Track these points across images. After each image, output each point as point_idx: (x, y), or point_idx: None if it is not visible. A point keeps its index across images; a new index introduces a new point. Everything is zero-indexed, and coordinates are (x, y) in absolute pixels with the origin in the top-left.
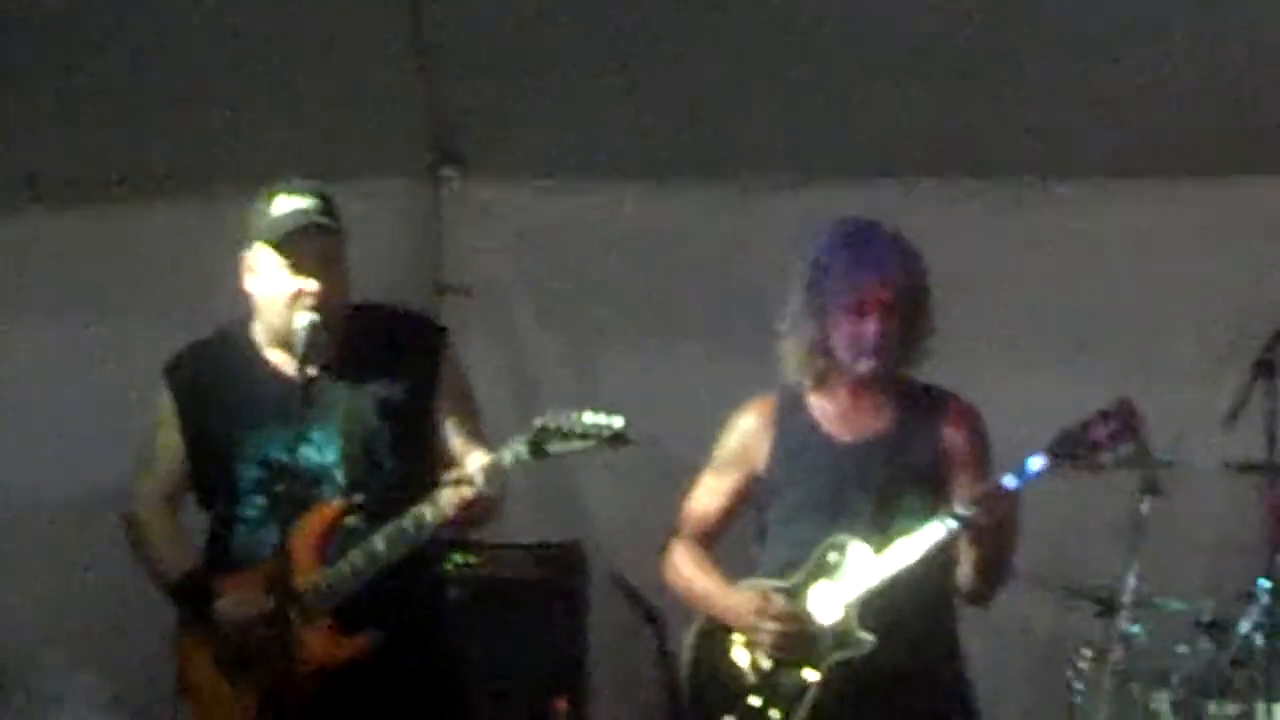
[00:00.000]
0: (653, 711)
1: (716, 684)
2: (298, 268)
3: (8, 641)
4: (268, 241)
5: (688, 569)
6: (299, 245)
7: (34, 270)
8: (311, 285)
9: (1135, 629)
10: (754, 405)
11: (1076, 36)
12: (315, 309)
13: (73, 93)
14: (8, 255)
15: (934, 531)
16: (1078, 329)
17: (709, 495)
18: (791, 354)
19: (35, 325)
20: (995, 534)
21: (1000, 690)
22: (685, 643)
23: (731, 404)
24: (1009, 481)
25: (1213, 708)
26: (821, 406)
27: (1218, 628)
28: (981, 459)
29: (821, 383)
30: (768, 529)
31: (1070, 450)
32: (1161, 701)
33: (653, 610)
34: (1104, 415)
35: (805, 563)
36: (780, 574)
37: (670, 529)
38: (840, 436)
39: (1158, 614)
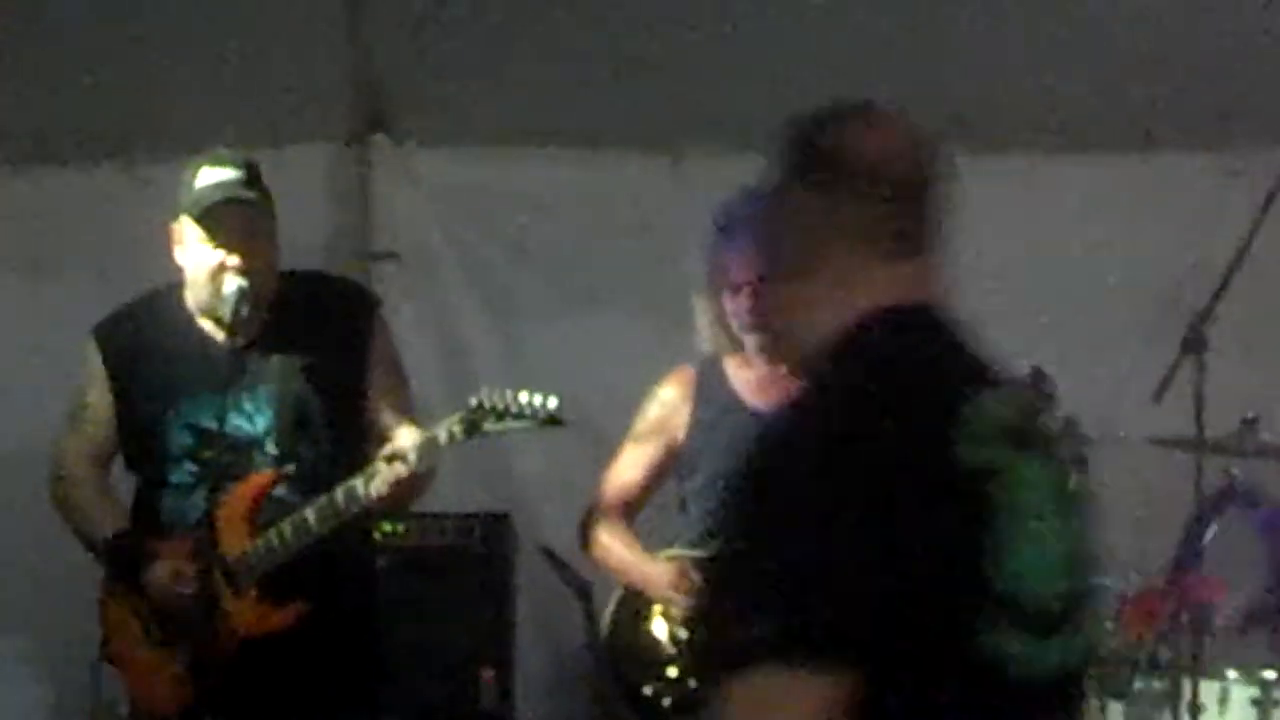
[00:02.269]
0: (580, 683)
1: (636, 654)
2: (221, 240)
3: None
4: (191, 214)
5: (607, 540)
6: (221, 218)
7: None
8: (234, 259)
9: None
10: (674, 376)
11: (1002, 10)
12: (243, 277)
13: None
14: None
15: None
16: (1008, 303)
17: (629, 466)
18: (703, 325)
19: None
20: None
21: None
22: (605, 612)
23: (660, 374)
24: None
25: (1139, 683)
26: (740, 375)
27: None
28: None
29: (735, 352)
30: (687, 499)
31: None
32: (1088, 678)
33: (581, 582)
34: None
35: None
36: (699, 544)
37: (591, 500)
38: (759, 406)
39: None
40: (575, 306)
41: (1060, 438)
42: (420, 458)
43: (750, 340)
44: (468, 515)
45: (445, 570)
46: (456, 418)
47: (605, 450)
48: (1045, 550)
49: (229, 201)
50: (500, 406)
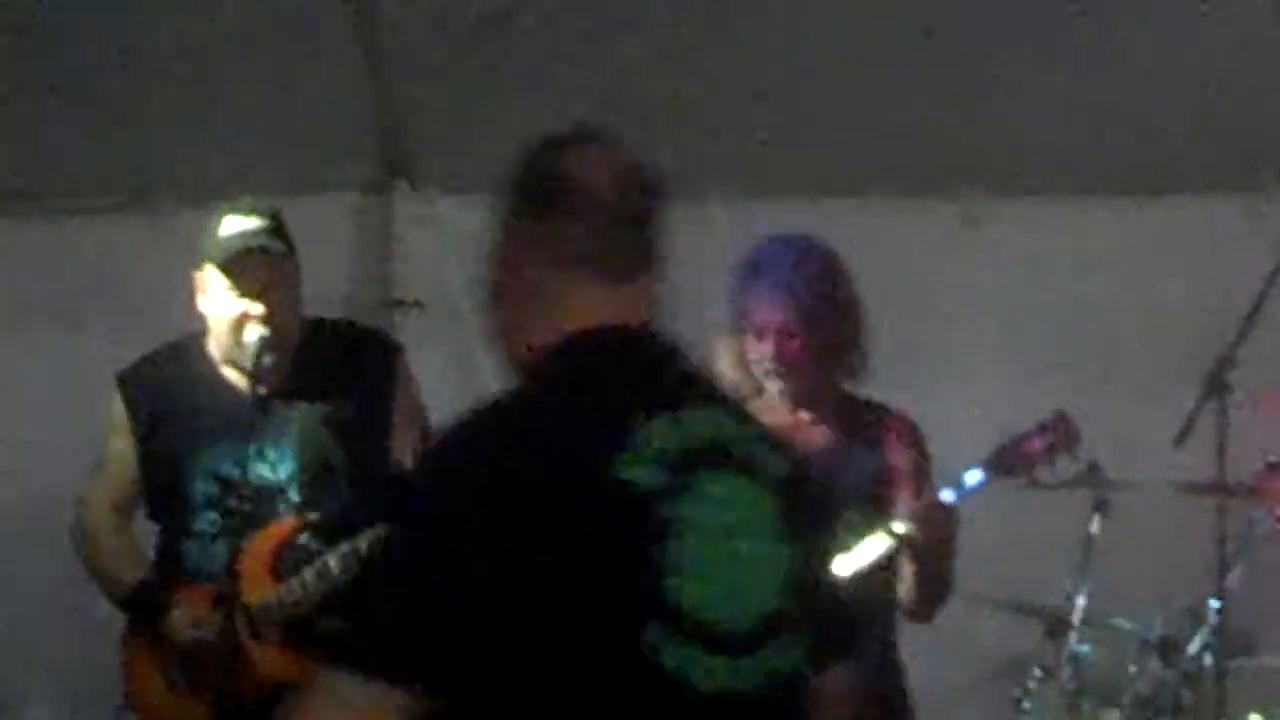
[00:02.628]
0: None
1: None
2: (243, 290)
3: None
4: (214, 263)
5: None
6: (244, 268)
7: None
8: (257, 308)
9: (1085, 648)
10: None
11: (1031, 54)
12: (265, 326)
13: (19, 105)
14: None
15: (873, 547)
16: (1029, 346)
17: None
18: (723, 368)
19: None
20: (934, 549)
21: (948, 708)
22: None
23: None
24: (946, 496)
25: None
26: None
27: (1168, 647)
28: (920, 473)
29: (757, 396)
30: None
31: (1007, 464)
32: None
33: None
34: (1040, 428)
35: None
36: None
37: None
38: None
39: (1107, 633)
40: None
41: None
42: None
43: (773, 386)
44: None
45: None
46: None
47: None
48: (735, 571)
49: (252, 251)
50: None
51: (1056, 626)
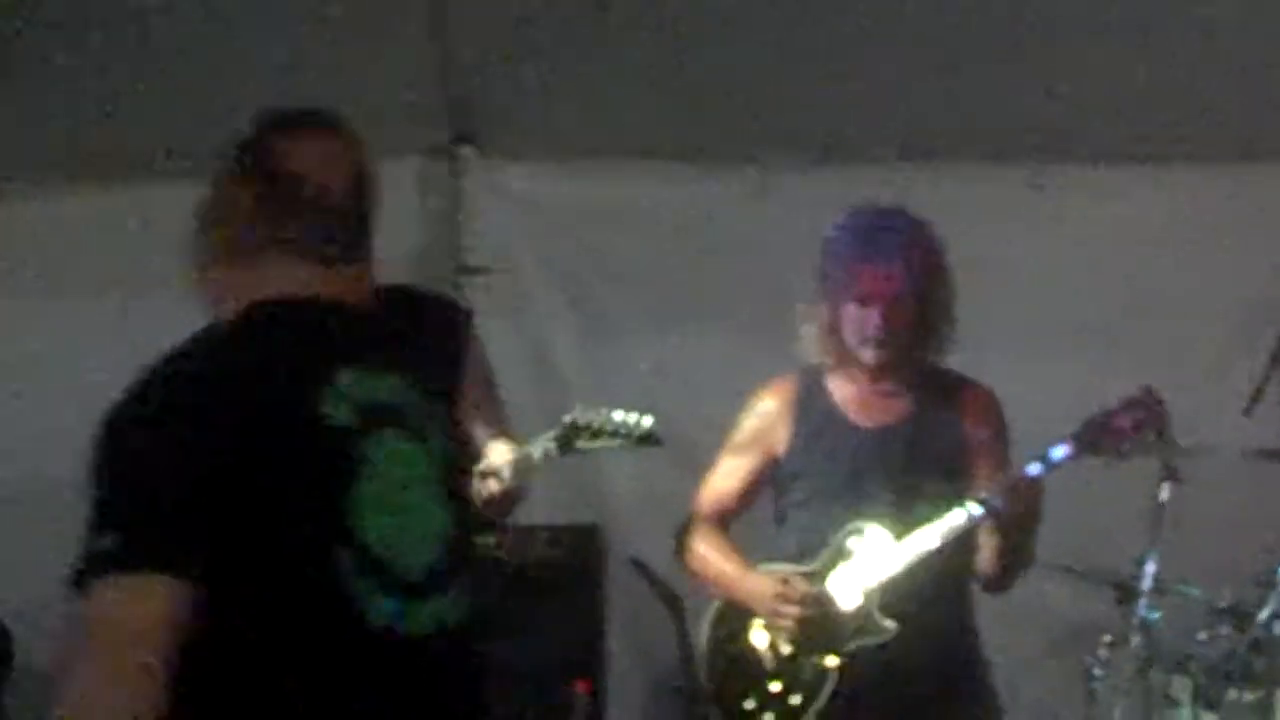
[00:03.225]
0: (672, 694)
1: (735, 668)
2: None
3: (17, 620)
4: None
5: (706, 551)
6: None
7: (55, 250)
8: None
9: (1154, 615)
10: (773, 387)
11: (1102, 19)
12: None
13: (86, 75)
14: (27, 235)
15: (956, 518)
16: (1098, 315)
17: (727, 477)
18: (808, 336)
19: (49, 306)
20: (1018, 522)
21: (1019, 676)
22: (702, 626)
23: (751, 388)
24: (1033, 469)
25: (1232, 694)
26: (842, 390)
27: (1237, 614)
28: (1000, 446)
29: (840, 365)
30: (786, 513)
31: (1094, 439)
32: (1181, 689)
33: (673, 594)
34: (1128, 404)
35: (824, 548)
36: (799, 558)
37: (689, 511)
38: (860, 422)
39: (1177, 601)
40: (666, 321)
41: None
42: (514, 474)
43: (869, 354)
44: (558, 528)
45: (537, 583)
46: (551, 435)
47: (696, 465)
48: (409, 521)
49: None
50: (595, 425)
51: (1126, 594)
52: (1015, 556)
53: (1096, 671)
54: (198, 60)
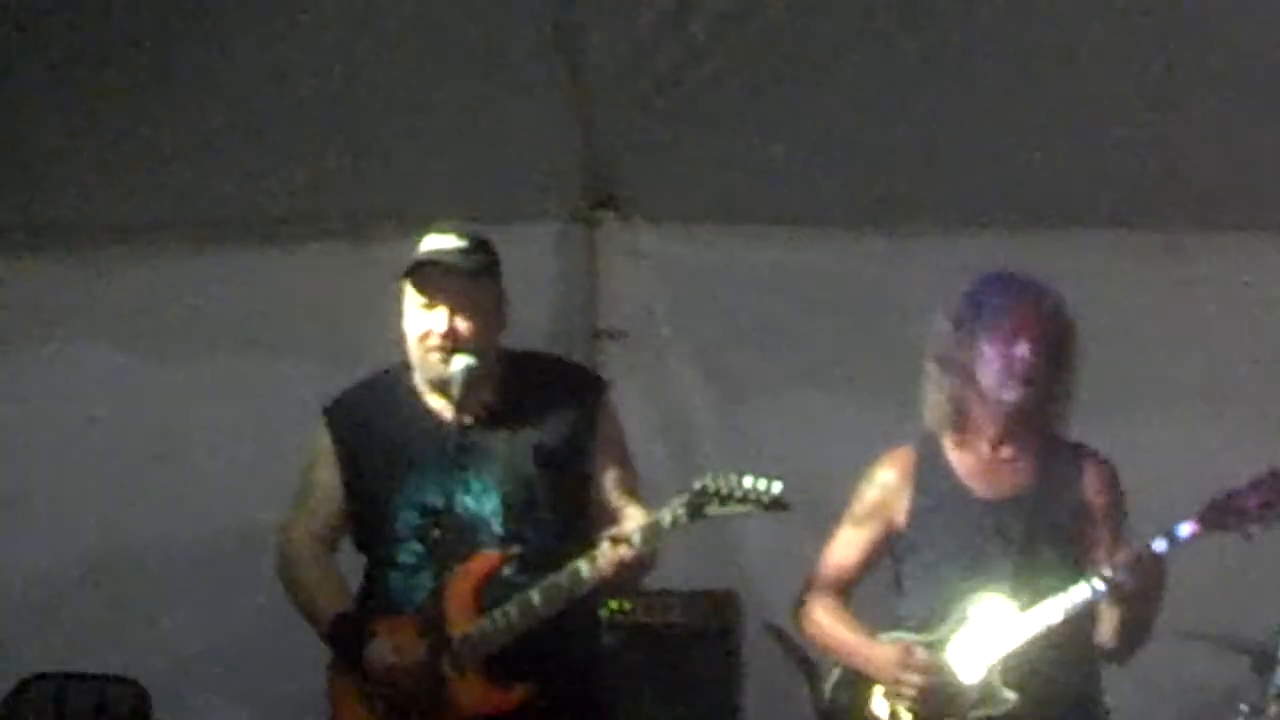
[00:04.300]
0: None
1: None
2: (429, 304)
3: (163, 675)
4: (406, 277)
5: (826, 620)
6: (429, 279)
7: (196, 309)
8: (441, 324)
9: None
10: (893, 457)
11: (1236, 86)
12: (464, 352)
13: (233, 136)
14: (170, 293)
15: (1080, 593)
16: (1228, 382)
17: (847, 547)
18: (933, 393)
19: (194, 366)
20: (1141, 597)
21: None
22: (823, 693)
23: (881, 452)
24: (1158, 545)
25: None
26: (961, 460)
27: None
28: (1119, 517)
29: (962, 431)
30: (904, 582)
31: (1220, 518)
32: None
33: (808, 659)
34: (1255, 484)
35: (946, 618)
36: (920, 628)
37: (807, 579)
38: (980, 492)
39: None
40: (798, 384)
41: None
42: (644, 541)
43: (1013, 393)
44: (695, 593)
45: (672, 648)
46: (681, 501)
47: (829, 528)
48: None
49: (437, 263)
50: (725, 491)
51: (1263, 661)
52: (1136, 630)
53: None
54: (340, 124)
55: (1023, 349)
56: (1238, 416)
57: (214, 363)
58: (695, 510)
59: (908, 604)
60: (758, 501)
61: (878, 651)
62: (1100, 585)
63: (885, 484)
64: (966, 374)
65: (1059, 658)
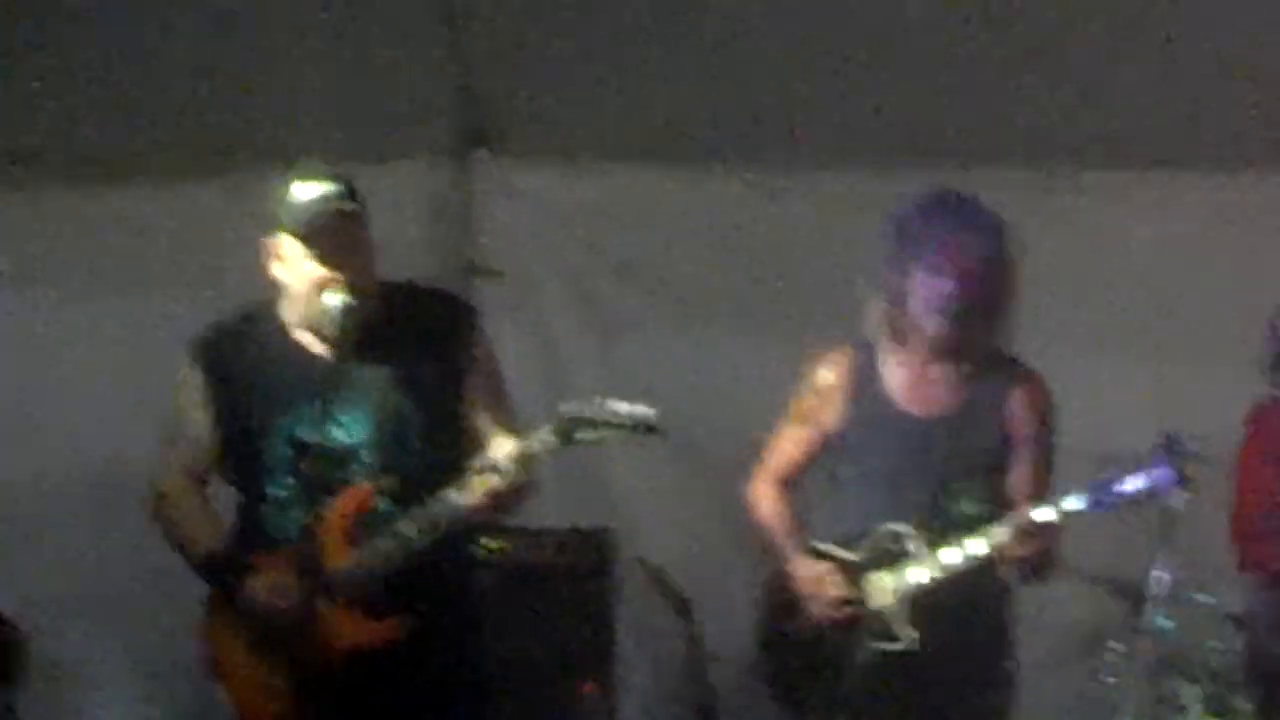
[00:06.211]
0: (681, 697)
1: (785, 628)
2: (323, 256)
3: (35, 616)
4: (292, 231)
5: (767, 513)
6: (323, 234)
7: (56, 248)
8: (338, 274)
9: (1165, 622)
10: (832, 359)
11: (1128, 23)
12: (346, 292)
13: (94, 69)
14: (37, 228)
15: (975, 547)
16: (1117, 318)
17: (790, 443)
18: (873, 310)
19: (59, 302)
20: (1029, 561)
21: (1029, 680)
22: (695, 627)
23: (761, 391)
24: (1045, 514)
25: (1241, 702)
26: (895, 373)
27: (1248, 621)
28: (1043, 442)
29: (899, 343)
30: (836, 487)
31: (1106, 499)
32: (1192, 695)
33: (681, 597)
34: (1139, 469)
35: (867, 536)
36: (851, 542)
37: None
38: (908, 408)
39: (1188, 607)
40: (675, 322)
41: None
42: (516, 468)
43: (934, 323)
44: (569, 530)
45: (547, 586)
46: (549, 427)
47: (704, 466)
48: None
49: (331, 217)
50: (594, 416)
51: (1137, 600)
52: (1031, 580)
53: (1107, 678)
54: (207, 61)
55: (948, 285)
56: (1119, 351)
57: (83, 298)
58: (565, 436)
59: (837, 512)
60: (628, 425)
61: (799, 565)
62: (986, 548)
63: (821, 387)
64: (897, 296)
65: (967, 595)
